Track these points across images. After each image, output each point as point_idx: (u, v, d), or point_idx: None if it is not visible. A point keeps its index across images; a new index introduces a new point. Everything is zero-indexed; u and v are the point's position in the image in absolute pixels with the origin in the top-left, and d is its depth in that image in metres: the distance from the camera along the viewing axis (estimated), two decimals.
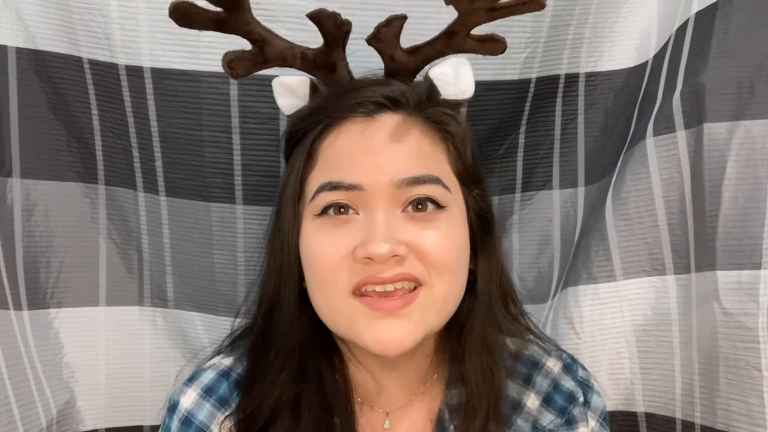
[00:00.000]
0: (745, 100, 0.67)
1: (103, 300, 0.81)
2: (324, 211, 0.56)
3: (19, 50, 0.75)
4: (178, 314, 0.82)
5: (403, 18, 0.59)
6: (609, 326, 0.76)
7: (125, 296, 0.82)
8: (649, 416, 0.77)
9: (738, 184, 0.67)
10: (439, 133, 0.59)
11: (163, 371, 0.81)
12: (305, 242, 0.58)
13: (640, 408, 0.77)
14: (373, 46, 0.61)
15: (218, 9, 0.57)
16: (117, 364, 0.81)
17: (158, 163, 0.78)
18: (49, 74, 0.76)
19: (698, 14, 0.71)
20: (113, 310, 0.81)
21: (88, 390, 0.80)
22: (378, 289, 0.54)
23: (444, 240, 0.56)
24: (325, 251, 0.55)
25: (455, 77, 0.61)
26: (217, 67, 0.73)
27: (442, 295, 0.56)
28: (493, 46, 0.59)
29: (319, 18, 0.58)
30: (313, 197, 0.57)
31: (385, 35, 0.59)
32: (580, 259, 0.78)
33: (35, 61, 0.75)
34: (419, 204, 0.56)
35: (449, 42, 0.60)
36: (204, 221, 0.79)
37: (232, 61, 0.60)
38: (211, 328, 0.81)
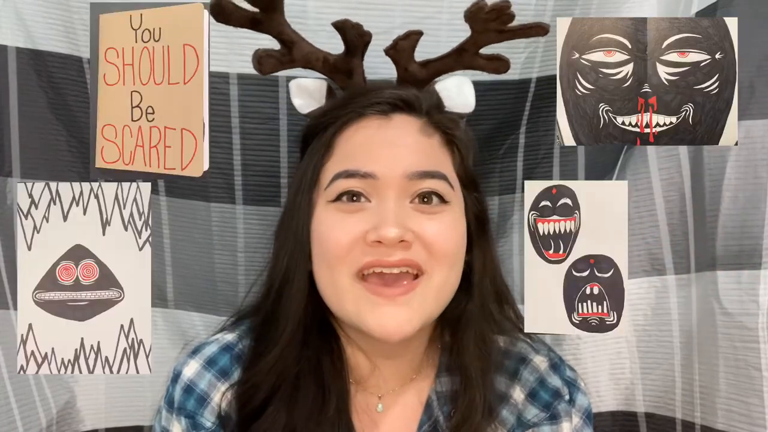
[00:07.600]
0: (745, 100, 0.67)
1: None
2: (338, 198, 0.60)
3: (19, 50, 0.75)
4: (178, 314, 0.82)
5: (419, 33, 0.64)
6: None
7: None
8: (649, 416, 0.77)
9: (738, 184, 0.68)
10: (446, 137, 0.63)
11: (163, 372, 0.81)
12: (318, 224, 0.61)
13: (640, 408, 0.77)
14: (390, 56, 0.65)
15: (255, 9, 0.61)
16: None
17: None
18: (49, 74, 0.76)
19: (698, 14, 0.71)
20: None
21: (88, 390, 0.80)
22: (385, 271, 0.57)
23: (447, 231, 0.60)
24: (337, 234, 0.59)
25: (458, 93, 0.66)
26: (217, 66, 0.73)
27: (440, 283, 0.59)
28: (499, 64, 0.66)
29: (343, 27, 0.63)
30: (329, 184, 0.60)
31: (402, 47, 0.64)
32: None
33: (35, 61, 0.75)
34: (425, 197, 0.60)
35: (459, 58, 0.66)
36: (204, 221, 0.79)
37: (261, 57, 0.64)
38: (211, 328, 0.80)
